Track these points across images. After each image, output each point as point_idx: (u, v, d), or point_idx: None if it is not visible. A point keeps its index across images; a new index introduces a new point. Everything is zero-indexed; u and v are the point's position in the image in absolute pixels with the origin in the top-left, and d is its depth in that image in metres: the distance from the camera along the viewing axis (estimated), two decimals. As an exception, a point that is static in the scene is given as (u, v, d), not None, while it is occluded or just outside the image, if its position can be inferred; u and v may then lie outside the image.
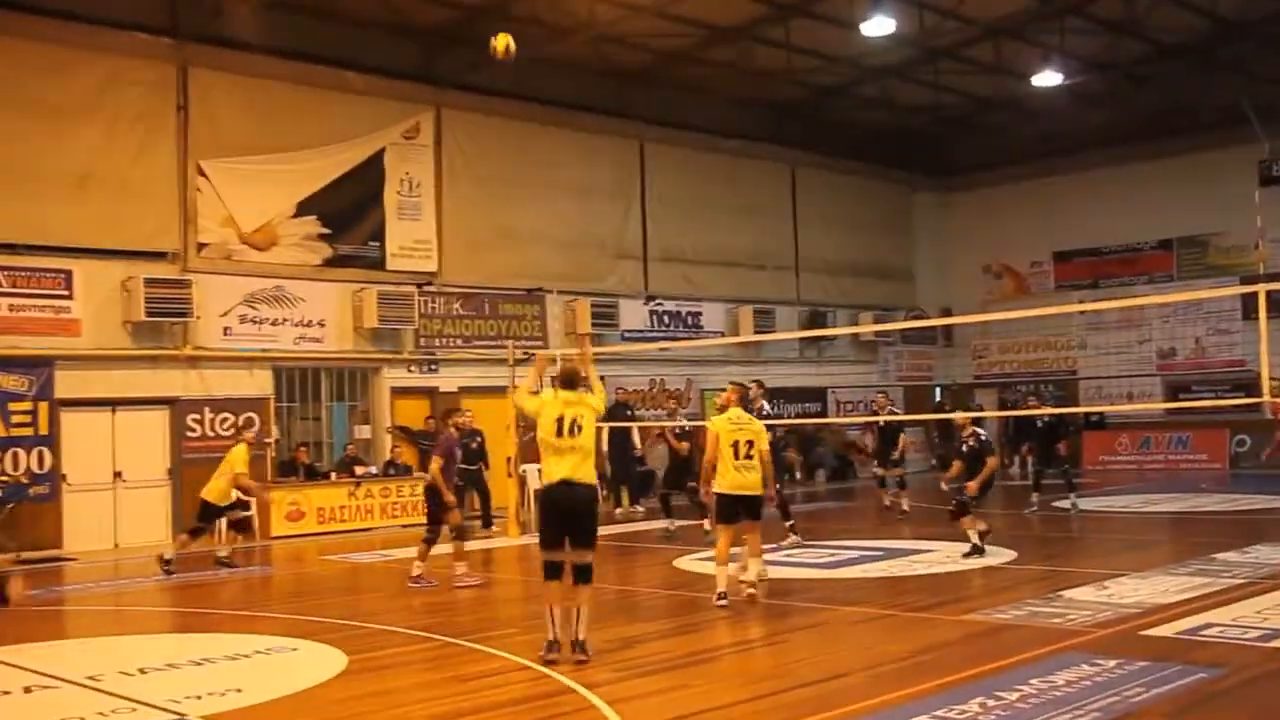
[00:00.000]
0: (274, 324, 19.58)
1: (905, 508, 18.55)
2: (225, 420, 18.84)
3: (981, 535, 13.42)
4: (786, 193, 28.03)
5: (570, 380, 9.17)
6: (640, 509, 19.98)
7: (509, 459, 18.32)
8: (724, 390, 12.13)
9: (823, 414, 27.33)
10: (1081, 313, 26.98)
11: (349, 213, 20.53)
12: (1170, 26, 22.75)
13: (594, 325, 23.26)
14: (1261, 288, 13.70)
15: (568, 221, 23.50)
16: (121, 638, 10.67)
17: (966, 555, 13.30)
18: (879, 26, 20.47)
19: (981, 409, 28.48)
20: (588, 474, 8.72)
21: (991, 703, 6.86)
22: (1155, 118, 26.77)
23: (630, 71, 23.76)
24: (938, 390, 30.98)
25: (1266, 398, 15.59)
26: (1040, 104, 26.44)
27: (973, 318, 25.94)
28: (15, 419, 16.85)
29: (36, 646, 10.01)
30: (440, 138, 21.79)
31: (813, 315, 27.56)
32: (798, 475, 26.53)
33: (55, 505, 17.08)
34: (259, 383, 19.44)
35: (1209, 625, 8.96)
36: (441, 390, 21.54)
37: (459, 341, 21.93)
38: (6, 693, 8.06)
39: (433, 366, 21.62)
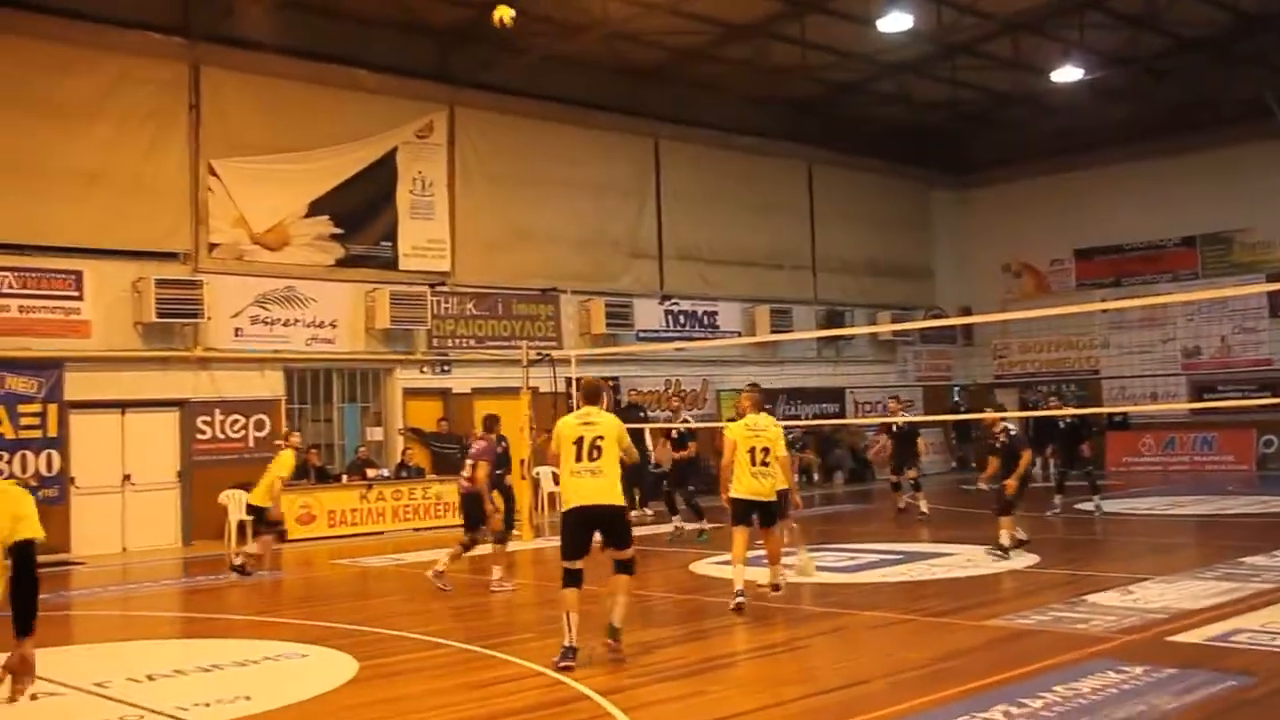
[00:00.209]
0: (285, 325, 19.57)
1: (924, 509, 18.43)
2: (236, 422, 18.85)
3: (1017, 542, 13.37)
4: (803, 190, 27.93)
5: (593, 394, 9.17)
6: (649, 512, 19.90)
7: (522, 461, 18.25)
8: (740, 391, 12.13)
9: (841, 415, 27.23)
10: (1104, 311, 26.78)
11: (361, 212, 20.52)
12: (1191, 20, 22.59)
13: (609, 325, 23.26)
14: (1288, 284, 13.56)
15: (582, 220, 23.45)
16: (129, 643, 10.62)
17: (990, 551, 13.27)
18: (895, 22, 20.40)
19: (1004, 408, 28.33)
20: (611, 497, 8.71)
21: (1015, 710, 6.75)
22: (1176, 112, 26.57)
23: (645, 69, 23.69)
24: (956, 391, 30.84)
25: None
26: (1060, 99, 26.29)
27: (993, 317, 25.81)
28: (24, 421, 16.87)
29: (43, 652, 9.81)
30: (453, 136, 21.77)
31: (830, 315, 27.46)
32: (815, 477, 26.42)
33: (63, 508, 17.07)
34: (270, 384, 19.44)
35: (1238, 631, 8.83)
36: (454, 392, 21.52)
37: (472, 342, 21.89)
38: (12, 699, 8.00)
39: (446, 368, 21.59)
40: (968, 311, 28.79)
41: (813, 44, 22.65)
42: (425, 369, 21.44)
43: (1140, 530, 16.59)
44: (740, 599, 10.41)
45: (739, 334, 25.64)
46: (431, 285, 21.23)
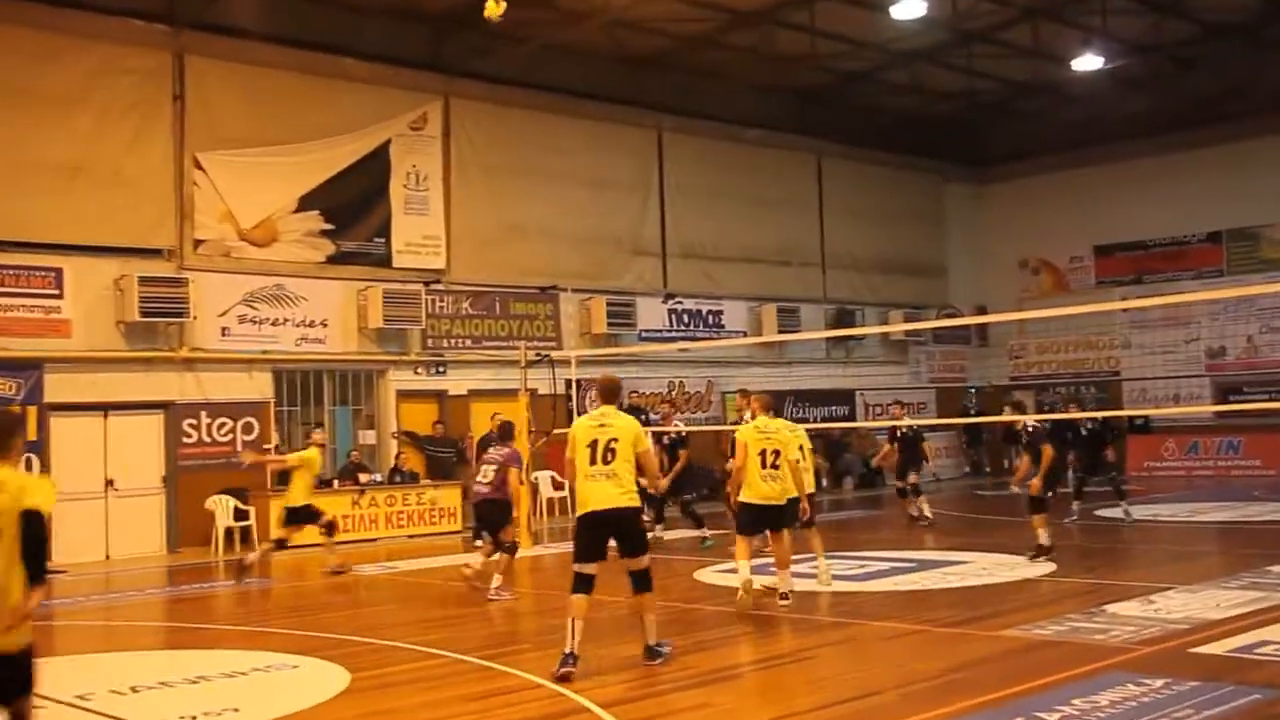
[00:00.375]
0: (274, 324, 19.62)
1: (928, 514, 18.52)
2: (223, 425, 18.90)
3: (1040, 547, 13.57)
4: (812, 184, 27.97)
5: (610, 392, 9.22)
6: (647, 518, 19.91)
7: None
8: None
9: (851, 418, 27.25)
10: (1124, 310, 26.82)
11: (353, 207, 20.57)
12: (1217, 6, 22.62)
13: (610, 325, 23.31)
14: (1319, 282, 13.60)
15: (582, 216, 23.49)
16: (112, 654, 10.66)
17: (1033, 557, 13.48)
18: (909, 9, 20.42)
19: (1023, 405, 28.34)
20: (624, 500, 8.78)
21: (1031, 724, 6.79)
22: (1202, 102, 26.58)
23: (647, 57, 23.73)
24: (971, 392, 30.86)
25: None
26: (1080, 89, 26.32)
27: (1009, 316, 25.84)
28: (3, 424, 16.86)
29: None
30: (449, 128, 21.82)
31: (840, 314, 27.50)
32: (824, 482, 26.41)
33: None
34: (258, 386, 19.48)
35: (1264, 643, 8.84)
36: (450, 394, 21.57)
37: (468, 342, 21.94)
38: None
39: (440, 369, 21.63)
40: (983, 310, 28.82)
41: (822, 31, 22.67)
42: (419, 370, 21.48)
43: (1162, 537, 16.60)
44: (745, 593, 10.71)
45: (745, 334, 25.68)
46: (426, 283, 21.27)
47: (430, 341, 21.44)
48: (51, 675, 9.54)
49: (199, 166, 18.93)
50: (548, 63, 22.22)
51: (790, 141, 27.14)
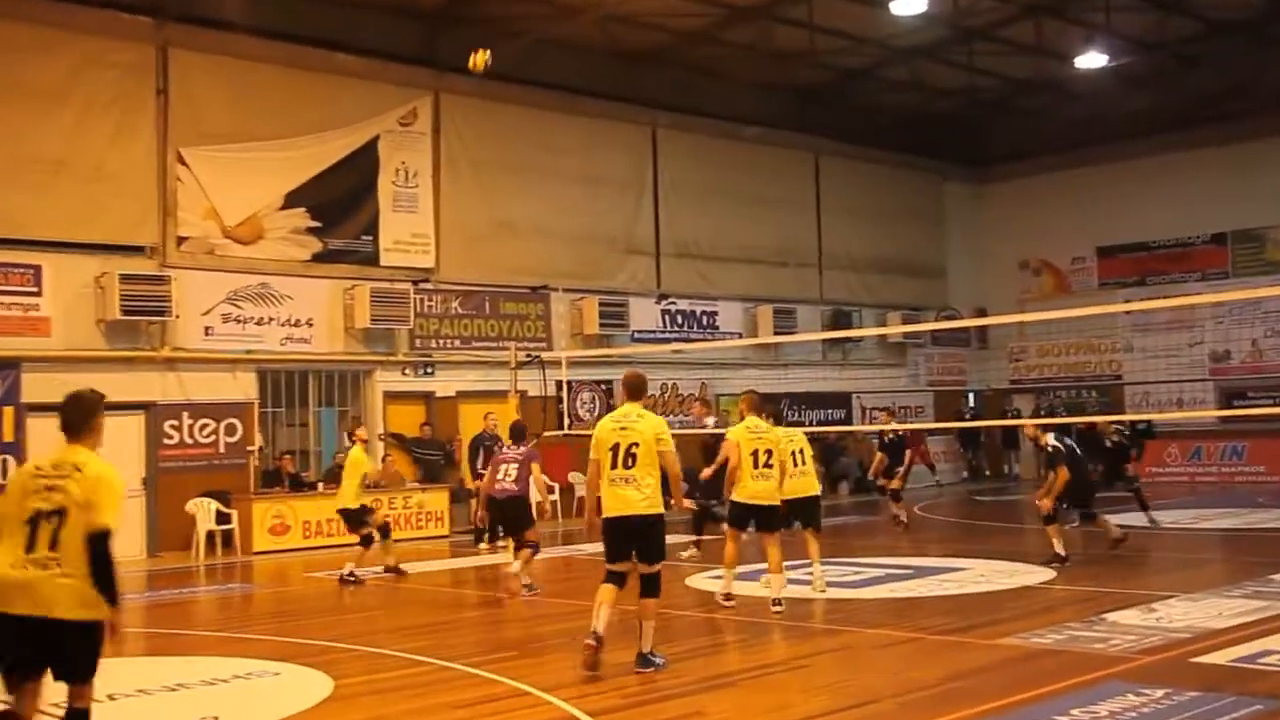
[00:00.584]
0: (259, 323, 19.58)
1: (903, 519, 18.85)
2: (205, 427, 18.85)
3: (1057, 555, 13.74)
4: (809, 183, 27.98)
5: (635, 390, 9.26)
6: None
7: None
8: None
9: (847, 421, 27.27)
10: (1127, 313, 26.83)
11: (340, 205, 20.54)
12: (1221, 3, 22.68)
13: (602, 325, 23.29)
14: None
15: (575, 214, 23.47)
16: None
17: (1047, 562, 13.69)
18: (909, 4, 20.44)
19: (1018, 412, 28.34)
20: (648, 505, 8.82)
21: (1029, 735, 6.79)
22: (1207, 101, 26.62)
23: (642, 53, 23.73)
24: (970, 396, 30.90)
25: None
26: (1083, 87, 26.36)
27: (1009, 318, 25.82)
28: (-21, 425, 16.87)
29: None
30: (439, 124, 21.80)
31: (837, 315, 27.50)
32: (820, 486, 26.40)
33: (23, 517, 16.99)
34: (242, 386, 19.44)
35: (1267, 653, 8.85)
36: (438, 395, 21.55)
37: (457, 343, 21.91)
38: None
39: (429, 369, 21.61)
40: (983, 312, 28.84)
41: (821, 27, 22.69)
42: (407, 371, 21.45)
43: (1164, 545, 16.61)
44: (729, 603, 11.23)
45: (740, 335, 25.69)
46: (414, 282, 21.25)
47: (418, 342, 21.41)
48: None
49: (183, 162, 18.89)
50: (541, 58, 22.19)
51: (788, 139, 27.14)
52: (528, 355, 19.39)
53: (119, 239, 18.29)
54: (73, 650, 5.75)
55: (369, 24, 20.76)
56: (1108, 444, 18.60)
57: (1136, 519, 17.60)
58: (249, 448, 19.05)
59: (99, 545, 5.68)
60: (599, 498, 9.10)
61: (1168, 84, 26.79)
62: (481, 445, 18.46)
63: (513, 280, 22.70)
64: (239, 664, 9.69)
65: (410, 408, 21.37)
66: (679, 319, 25.22)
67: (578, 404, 22.96)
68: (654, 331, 24.58)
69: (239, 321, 19.39)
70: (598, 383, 23.52)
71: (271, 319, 19.74)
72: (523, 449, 13.16)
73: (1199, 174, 27.62)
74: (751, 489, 11.29)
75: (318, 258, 20.29)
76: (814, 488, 12.79)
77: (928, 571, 13.99)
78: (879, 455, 19.76)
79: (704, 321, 25.64)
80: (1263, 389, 26.74)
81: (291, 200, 19.97)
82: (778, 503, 11.50)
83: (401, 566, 15.27)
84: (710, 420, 18.34)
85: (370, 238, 20.90)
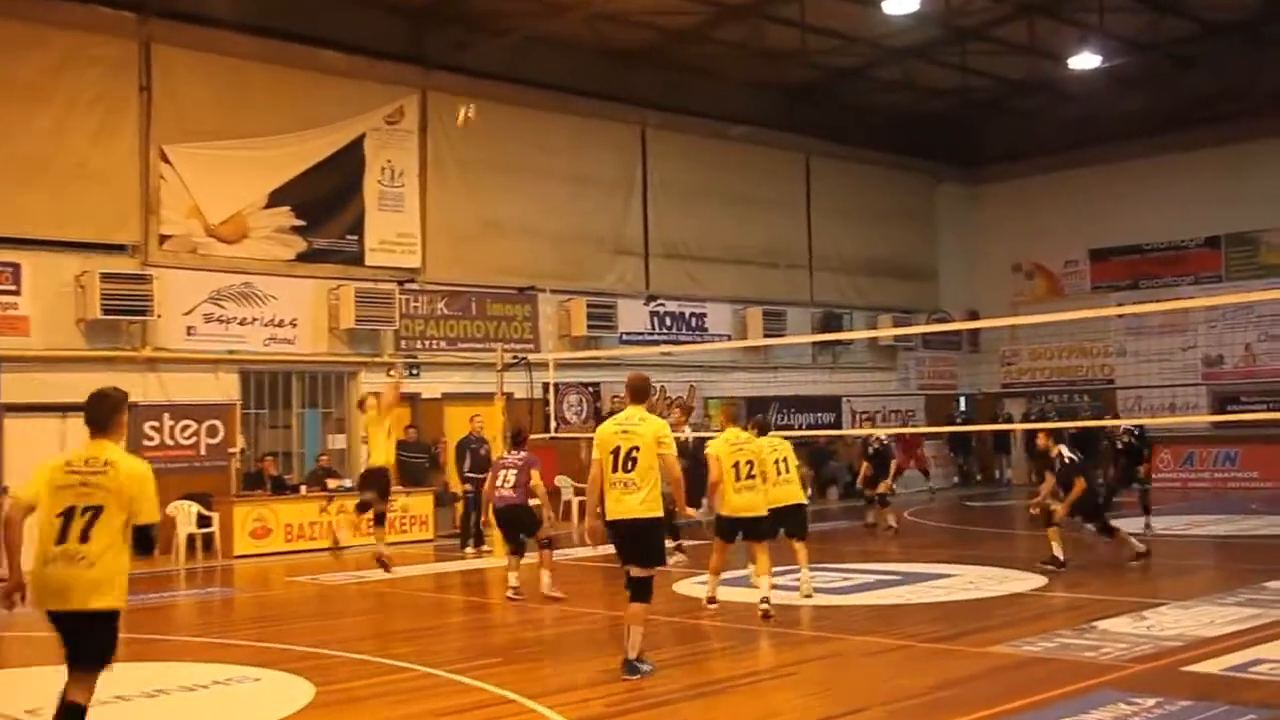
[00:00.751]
0: (242, 324, 19.53)
1: (872, 521, 19.27)
2: (187, 428, 18.78)
3: (1055, 559, 13.84)
4: (800, 184, 27.99)
5: (639, 392, 9.30)
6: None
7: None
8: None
9: (837, 425, 27.28)
10: (1120, 316, 26.84)
11: (325, 204, 20.50)
12: (1216, 3, 22.72)
13: (590, 327, 23.26)
14: (1320, 290, 13.71)
15: (562, 214, 23.44)
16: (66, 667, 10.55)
17: (1045, 563, 13.86)
18: (902, 3, 20.44)
19: (1009, 419, 28.42)
20: (646, 509, 8.91)
21: (1018, 745, 6.79)
22: (1201, 102, 26.67)
23: (631, 51, 23.71)
24: (961, 400, 30.93)
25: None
26: (1076, 88, 26.39)
27: (1001, 321, 25.86)
28: (-42, 426, 16.79)
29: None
30: (425, 123, 21.76)
31: (827, 317, 27.50)
32: (809, 492, 26.39)
33: (-1, 520, 16.93)
34: (224, 387, 19.38)
35: (1259, 661, 8.87)
36: (424, 397, 21.49)
37: (443, 344, 21.88)
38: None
39: (414, 371, 21.54)
40: (974, 315, 28.85)
41: (812, 26, 22.67)
42: (392, 372, 21.37)
43: (1156, 552, 16.56)
44: (713, 606, 11.51)
45: (729, 337, 25.68)
46: (400, 282, 21.21)
47: (404, 343, 21.36)
48: (2, 688, 9.49)
49: (165, 160, 18.82)
50: (529, 56, 22.18)
51: (778, 139, 27.14)
52: (514, 357, 19.34)
53: (100, 237, 18.23)
54: (85, 636, 6.16)
55: (355, 21, 20.72)
56: (1119, 445, 18.77)
57: (1136, 522, 17.66)
58: (231, 450, 18.99)
59: (147, 537, 6.24)
60: (600, 499, 9.17)
61: (1162, 85, 26.84)
62: (467, 448, 18.44)
63: (500, 281, 22.66)
64: (219, 670, 9.66)
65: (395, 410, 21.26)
66: (668, 321, 25.21)
67: (564, 407, 22.93)
68: (642, 333, 24.56)
69: (222, 321, 19.33)
70: (585, 385, 23.51)
71: (255, 319, 19.68)
72: (523, 454, 13.16)
73: (1193, 176, 27.66)
74: (735, 502, 11.37)
75: (302, 257, 20.24)
76: (798, 496, 12.72)
77: (917, 578, 13.99)
78: (865, 464, 19.87)
79: (693, 323, 25.63)
80: (1256, 394, 26.80)
81: (276, 199, 19.92)
82: (764, 513, 11.56)
83: (387, 559, 15.00)
84: (687, 430, 18.17)
85: (355, 237, 20.86)
